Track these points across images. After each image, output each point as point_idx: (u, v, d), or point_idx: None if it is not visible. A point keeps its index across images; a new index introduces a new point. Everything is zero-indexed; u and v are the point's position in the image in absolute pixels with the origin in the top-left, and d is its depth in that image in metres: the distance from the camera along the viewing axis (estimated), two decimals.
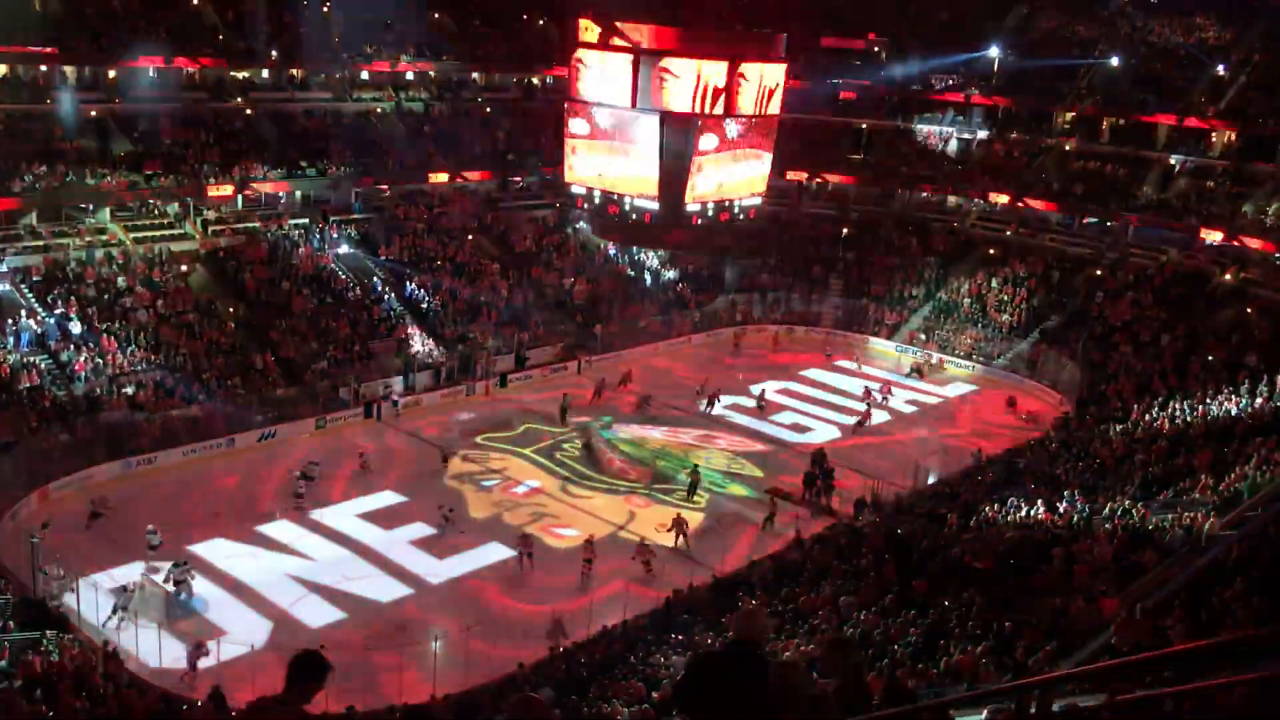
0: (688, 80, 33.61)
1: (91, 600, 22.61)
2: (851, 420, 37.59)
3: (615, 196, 36.40)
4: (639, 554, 26.26)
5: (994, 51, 53.72)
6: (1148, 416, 31.10)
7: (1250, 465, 23.92)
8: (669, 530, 27.39)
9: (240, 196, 41.37)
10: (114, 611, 22.45)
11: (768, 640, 5.40)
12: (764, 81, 35.47)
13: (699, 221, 36.55)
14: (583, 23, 35.74)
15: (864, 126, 55.31)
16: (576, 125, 36.76)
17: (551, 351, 41.67)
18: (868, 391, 39.66)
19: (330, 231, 42.16)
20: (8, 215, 36.18)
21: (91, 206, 37.85)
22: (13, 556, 24.30)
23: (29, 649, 18.69)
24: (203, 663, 20.96)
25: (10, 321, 32.17)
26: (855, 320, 47.59)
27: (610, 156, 36.09)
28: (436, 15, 50.57)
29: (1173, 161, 47.75)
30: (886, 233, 51.20)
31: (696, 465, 31.82)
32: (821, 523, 28.66)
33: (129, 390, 31.55)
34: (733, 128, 35.40)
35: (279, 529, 27.27)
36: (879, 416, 38.35)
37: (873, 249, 50.58)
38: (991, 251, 48.34)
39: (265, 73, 45.37)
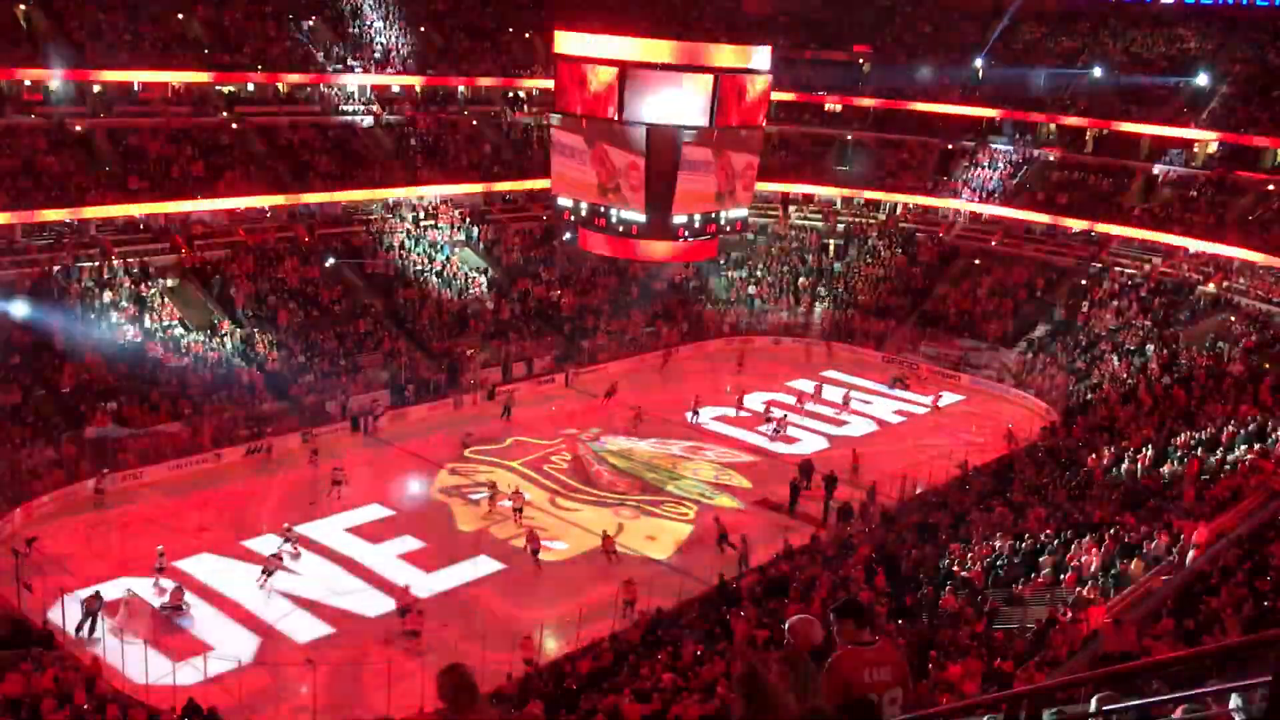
0: (674, 93, 33.62)
1: (77, 617, 22.42)
2: (838, 429, 37.68)
3: (602, 209, 36.34)
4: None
5: (978, 62, 54.14)
6: (1132, 426, 31.22)
7: (1235, 473, 24.05)
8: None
9: (225, 211, 41.22)
10: (85, 621, 22.28)
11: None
12: (749, 93, 35.51)
13: (686, 233, 36.52)
14: (558, 35, 35.75)
15: (849, 137, 55.60)
16: (562, 137, 36.71)
17: (539, 364, 41.65)
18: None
19: (317, 244, 42.06)
20: None
21: (76, 221, 37.65)
22: None
23: (12, 667, 18.49)
24: (188, 678, 20.78)
25: None
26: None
27: (596, 168, 36.01)
28: (422, 29, 50.68)
29: (1156, 171, 48.10)
30: (872, 243, 51.47)
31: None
32: (811, 533, 28.65)
33: (113, 405, 31.39)
34: (719, 139, 35.40)
35: (266, 544, 27.09)
36: (865, 426, 38.43)
37: (859, 259, 50.91)
38: (976, 261, 48.58)
39: (250, 86, 45.29)
